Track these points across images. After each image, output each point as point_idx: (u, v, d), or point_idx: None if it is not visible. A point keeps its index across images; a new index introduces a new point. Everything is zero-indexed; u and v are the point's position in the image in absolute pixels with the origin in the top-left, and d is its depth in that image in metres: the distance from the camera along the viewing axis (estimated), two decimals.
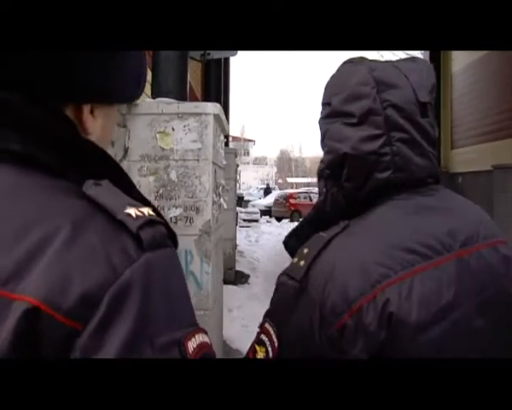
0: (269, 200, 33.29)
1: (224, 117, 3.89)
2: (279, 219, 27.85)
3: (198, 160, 3.38)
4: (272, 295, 1.15)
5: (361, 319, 0.98)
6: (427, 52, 16.06)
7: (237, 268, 10.47)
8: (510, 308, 1.12)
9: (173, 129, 3.37)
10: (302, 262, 1.08)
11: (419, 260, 1.04)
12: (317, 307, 1.02)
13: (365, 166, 1.13)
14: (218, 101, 7.75)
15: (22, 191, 0.68)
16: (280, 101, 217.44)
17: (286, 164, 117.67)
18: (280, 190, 50.05)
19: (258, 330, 1.14)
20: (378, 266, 1.02)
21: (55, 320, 0.58)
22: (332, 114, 1.18)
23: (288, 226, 24.06)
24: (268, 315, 1.13)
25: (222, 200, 4.07)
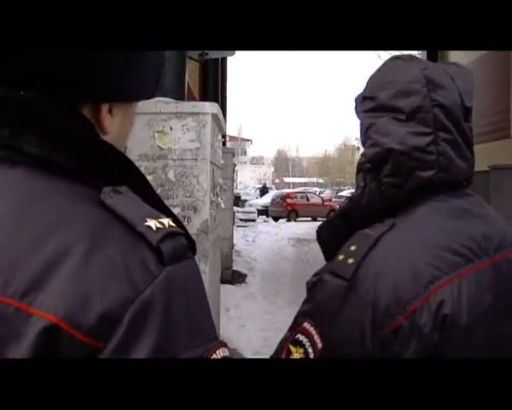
0: (266, 199, 33.31)
1: (221, 117, 3.90)
2: (276, 219, 27.86)
3: (196, 159, 3.39)
4: (309, 294, 1.12)
5: (415, 321, 0.98)
6: (425, 52, 16.09)
7: (234, 268, 10.47)
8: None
9: (171, 128, 3.38)
10: (351, 260, 1.05)
11: (463, 263, 1.05)
12: (368, 307, 1.00)
13: (409, 163, 1.12)
14: (215, 100, 7.74)
15: (39, 197, 0.67)
16: (277, 100, 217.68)
17: (283, 164, 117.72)
18: (277, 189, 50.08)
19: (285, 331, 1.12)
20: (428, 266, 1.02)
21: (75, 339, 0.57)
22: (378, 108, 1.16)
23: (285, 226, 24.08)
24: (307, 315, 1.08)
25: (219, 199, 4.08)
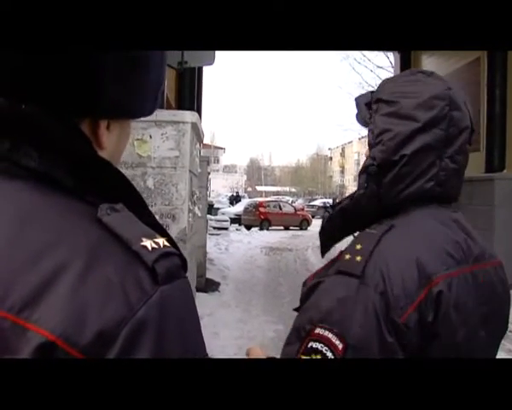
0: (238, 208, 33.24)
1: (200, 125, 3.93)
2: (248, 228, 27.83)
3: (175, 168, 3.40)
4: (312, 299, 1.16)
5: (422, 311, 1.06)
6: (398, 62, 16.26)
7: (207, 276, 10.44)
8: (502, 326, 1.26)
9: (151, 136, 3.39)
10: (358, 258, 1.10)
11: (454, 264, 1.14)
12: (381, 299, 1.05)
13: (414, 173, 1.20)
14: (191, 108, 7.76)
15: (37, 212, 0.67)
16: (251, 109, 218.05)
17: (255, 172, 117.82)
18: (249, 198, 50.04)
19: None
20: (428, 262, 1.10)
21: (71, 356, 0.58)
22: (398, 114, 1.22)
23: (257, 235, 24.07)
24: (316, 320, 1.09)
25: (196, 208, 4.10)
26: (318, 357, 1.05)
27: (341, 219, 1.30)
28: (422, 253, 1.12)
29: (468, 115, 1.24)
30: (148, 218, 0.73)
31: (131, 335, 0.59)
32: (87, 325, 0.58)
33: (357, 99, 1.35)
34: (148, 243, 0.64)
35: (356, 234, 1.25)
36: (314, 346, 1.06)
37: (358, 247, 1.13)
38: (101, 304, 0.60)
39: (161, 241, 0.66)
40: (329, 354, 1.04)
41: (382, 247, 1.11)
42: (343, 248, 1.20)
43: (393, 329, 1.04)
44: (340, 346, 1.04)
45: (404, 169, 1.20)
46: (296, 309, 1.26)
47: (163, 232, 0.71)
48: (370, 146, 1.26)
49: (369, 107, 1.30)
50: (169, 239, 0.69)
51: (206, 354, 0.69)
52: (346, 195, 1.40)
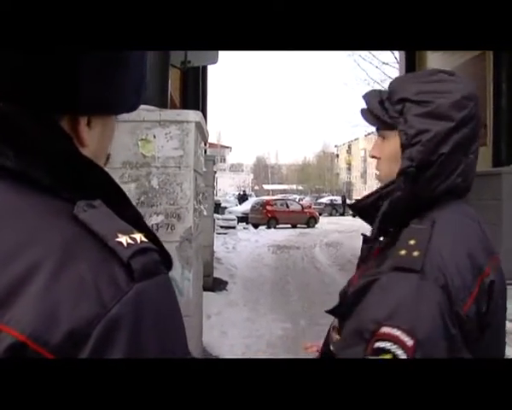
0: (245, 207, 33.28)
1: (204, 124, 3.92)
2: (256, 226, 27.86)
3: (179, 167, 3.40)
4: (369, 298, 1.17)
5: (478, 301, 1.11)
6: (403, 58, 16.22)
7: (215, 275, 10.44)
8: (503, 313, 1.29)
9: (155, 136, 3.39)
10: (416, 253, 1.12)
11: (490, 256, 1.21)
12: (443, 292, 1.08)
13: (448, 169, 1.24)
14: (196, 108, 7.76)
15: (12, 211, 0.66)
16: (256, 107, 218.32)
17: (262, 171, 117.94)
18: (256, 196, 50.06)
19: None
20: (478, 255, 1.17)
21: (42, 356, 0.57)
22: (435, 114, 1.24)
23: (264, 233, 24.07)
24: (384, 318, 1.09)
25: (202, 207, 4.10)
26: (387, 357, 1.04)
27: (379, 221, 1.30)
28: (470, 245, 1.17)
29: (479, 110, 1.29)
30: (130, 214, 0.71)
31: (104, 334, 0.58)
32: (57, 324, 0.57)
33: (366, 97, 1.36)
34: (123, 239, 0.63)
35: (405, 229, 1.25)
36: (381, 346, 1.06)
37: (412, 242, 1.15)
38: (73, 303, 0.58)
39: (138, 236, 0.65)
40: (399, 352, 1.04)
41: (434, 241, 1.14)
42: (381, 245, 1.27)
43: (457, 321, 1.07)
44: (410, 342, 1.04)
45: (441, 167, 1.24)
46: (330, 312, 1.28)
47: (144, 228, 0.70)
48: (403, 147, 1.27)
49: (382, 105, 1.31)
50: (148, 235, 0.67)
51: (188, 353, 0.68)
52: (366, 193, 1.41)
